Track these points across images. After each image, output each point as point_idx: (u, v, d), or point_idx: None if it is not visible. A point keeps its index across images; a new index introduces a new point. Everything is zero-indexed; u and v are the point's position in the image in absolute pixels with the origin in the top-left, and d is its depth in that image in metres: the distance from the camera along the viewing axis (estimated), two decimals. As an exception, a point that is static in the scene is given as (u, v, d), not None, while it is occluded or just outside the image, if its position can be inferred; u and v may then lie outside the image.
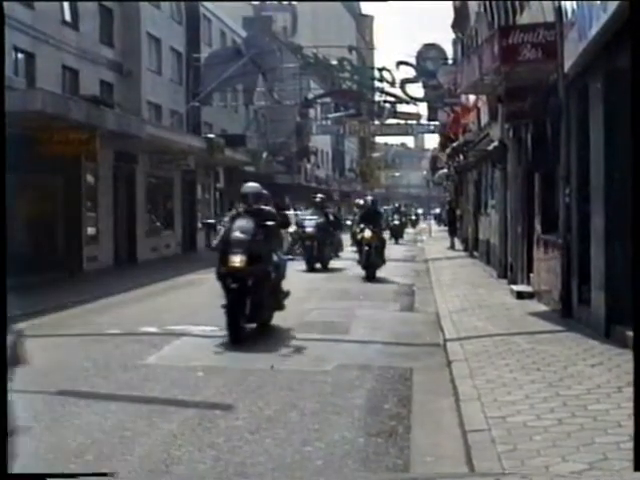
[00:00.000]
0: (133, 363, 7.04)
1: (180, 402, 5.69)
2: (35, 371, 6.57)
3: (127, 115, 19.82)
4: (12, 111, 11.73)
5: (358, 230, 15.47)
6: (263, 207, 8.69)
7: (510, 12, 12.50)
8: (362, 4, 70.62)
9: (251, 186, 8.93)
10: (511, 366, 6.30)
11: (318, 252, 17.32)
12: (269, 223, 8.40)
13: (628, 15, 5.17)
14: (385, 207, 45.40)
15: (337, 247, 19.49)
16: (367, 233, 14.97)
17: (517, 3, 12.00)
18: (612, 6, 6.13)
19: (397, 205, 37.40)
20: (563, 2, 8.23)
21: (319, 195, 20.47)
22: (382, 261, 15.48)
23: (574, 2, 7.71)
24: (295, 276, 12.52)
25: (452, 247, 24.57)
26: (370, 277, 14.69)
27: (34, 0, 18.67)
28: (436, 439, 4.84)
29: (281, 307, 8.87)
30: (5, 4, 15.10)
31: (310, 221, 18.26)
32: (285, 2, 56.62)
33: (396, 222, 31.88)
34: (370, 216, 15.66)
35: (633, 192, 4.26)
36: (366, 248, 14.80)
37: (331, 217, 18.99)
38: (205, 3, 32.34)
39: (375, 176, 64.52)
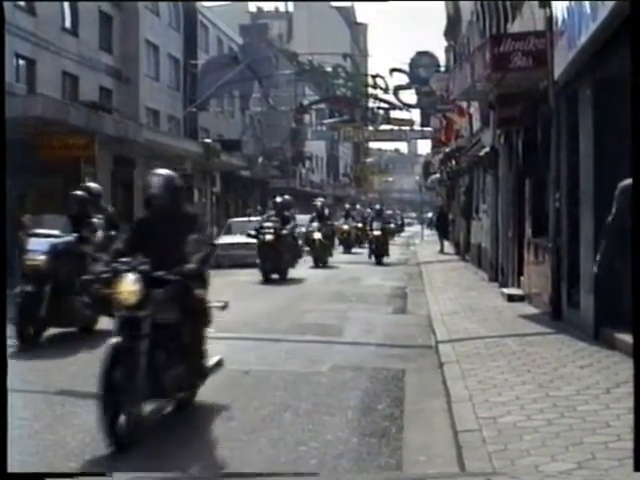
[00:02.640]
0: (130, 364, 7.07)
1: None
2: (35, 371, 6.68)
3: (125, 120, 19.93)
4: (13, 116, 11.86)
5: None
6: None
7: (502, 20, 12.65)
8: (357, 13, 70.95)
9: None
10: (502, 368, 6.37)
11: (53, 304, 8.09)
12: None
13: (621, 18, 5.27)
14: (366, 209, 36.78)
15: None
16: (125, 287, 4.88)
17: (509, 9, 12.14)
18: (601, 16, 6.24)
19: (378, 208, 25.40)
20: (554, 9, 8.36)
21: (86, 185, 10.06)
22: (190, 382, 5.48)
23: (564, 11, 7.84)
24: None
25: (441, 251, 24.69)
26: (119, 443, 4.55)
27: (33, 0, 18.72)
28: (428, 439, 4.89)
29: None
30: (6, 9, 15.13)
31: (44, 242, 8.38)
32: (282, 1, 56.89)
33: (377, 232, 21.48)
34: (148, 236, 5.33)
35: (633, 193, 4.35)
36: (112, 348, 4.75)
37: (100, 233, 8.74)
38: (203, 10, 32.50)
39: (369, 181, 64.66)
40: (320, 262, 19.48)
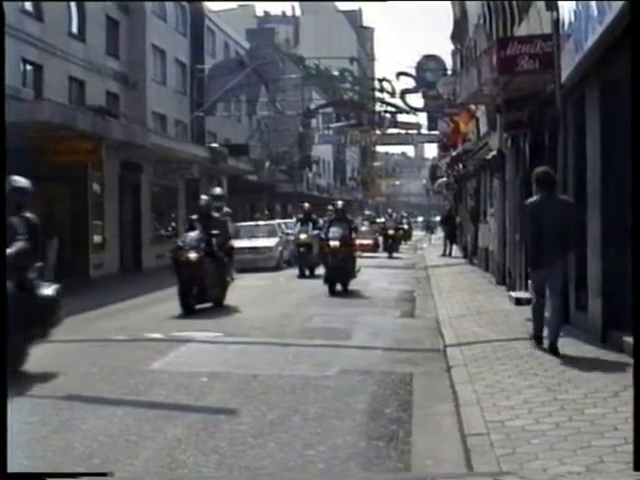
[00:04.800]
0: (139, 369, 7.13)
1: (184, 407, 5.77)
2: (43, 376, 6.72)
3: (132, 125, 19.99)
4: (20, 121, 11.94)
5: None
6: None
7: (508, 23, 12.65)
8: (363, 17, 71.19)
9: None
10: (510, 371, 6.37)
11: None
12: None
13: (628, 21, 5.29)
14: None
15: None
16: None
17: (516, 12, 12.15)
18: (608, 18, 6.25)
19: (339, 206, 15.34)
20: (561, 12, 8.37)
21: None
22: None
23: (571, 14, 7.85)
24: None
25: (448, 254, 24.65)
26: None
27: (34, 0, 18.78)
28: (436, 443, 4.90)
29: None
30: (13, 15, 15.27)
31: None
32: (288, 1, 57.16)
33: (333, 243, 13.74)
34: None
35: (633, 198, 4.36)
36: None
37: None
38: (210, 15, 32.61)
39: (376, 185, 64.74)
40: (198, 302, 11.09)
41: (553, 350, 6.89)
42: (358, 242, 26.20)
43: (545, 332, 7.18)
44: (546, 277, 7.16)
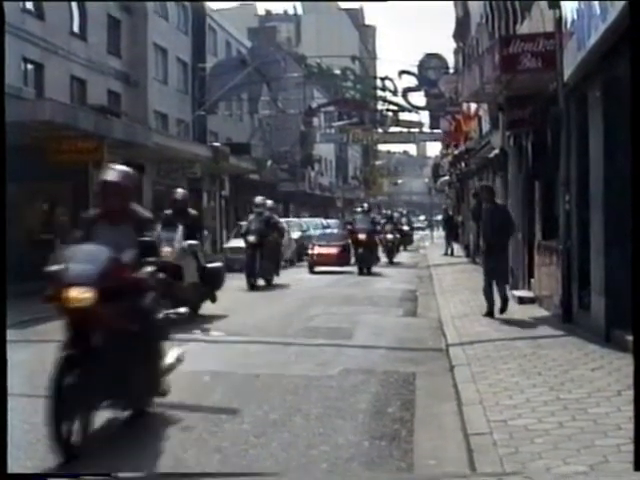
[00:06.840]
0: (140, 369, 7.12)
1: (186, 407, 5.75)
2: (42, 375, 6.70)
3: (134, 124, 19.97)
4: (21, 121, 11.92)
5: None
6: None
7: (511, 22, 12.63)
8: (365, 15, 71.21)
9: None
10: (513, 370, 6.36)
11: None
12: None
13: (628, 21, 5.27)
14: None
15: None
16: None
17: (518, 10, 12.13)
18: (611, 17, 6.24)
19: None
20: (564, 10, 8.35)
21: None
22: None
23: (574, 12, 7.82)
24: None
25: (450, 254, 24.62)
26: None
27: (35, 0, 18.76)
28: (439, 442, 4.89)
29: None
30: (15, 14, 15.28)
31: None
32: (290, 1, 57.03)
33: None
34: None
35: (633, 199, 4.35)
36: None
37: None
38: (211, 13, 32.61)
39: (378, 183, 64.70)
40: None
41: (491, 315, 9.50)
42: (317, 251, 18.15)
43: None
44: (492, 266, 9.73)
